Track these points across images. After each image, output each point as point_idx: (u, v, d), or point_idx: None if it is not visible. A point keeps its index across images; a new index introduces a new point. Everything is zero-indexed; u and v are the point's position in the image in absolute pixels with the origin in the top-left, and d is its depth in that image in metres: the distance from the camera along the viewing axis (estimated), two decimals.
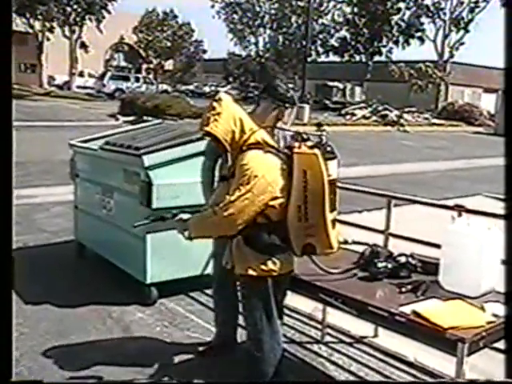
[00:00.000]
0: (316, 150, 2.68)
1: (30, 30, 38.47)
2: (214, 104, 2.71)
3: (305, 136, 2.85)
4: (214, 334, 3.71)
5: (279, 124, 3.32)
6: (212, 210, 2.70)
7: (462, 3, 40.91)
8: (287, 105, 3.30)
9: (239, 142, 2.72)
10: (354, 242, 3.37)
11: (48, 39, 38.71)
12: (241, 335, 3.53)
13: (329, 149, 2.81)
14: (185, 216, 2.85)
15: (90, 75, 41.31)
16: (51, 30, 38.34)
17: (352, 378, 3.43)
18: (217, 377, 3.34)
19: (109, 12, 39.19)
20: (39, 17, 36.98)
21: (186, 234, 2.79)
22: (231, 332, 3.64)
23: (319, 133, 2.89)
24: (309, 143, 2.76)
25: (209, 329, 3.95)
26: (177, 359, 3.56)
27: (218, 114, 2.68)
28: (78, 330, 3.87)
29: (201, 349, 3.66)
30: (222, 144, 2.70)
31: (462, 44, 41.51)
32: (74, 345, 3.67)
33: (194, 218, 2.81)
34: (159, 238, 4.18)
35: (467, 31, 41.11)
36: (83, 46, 40.51)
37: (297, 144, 2.75)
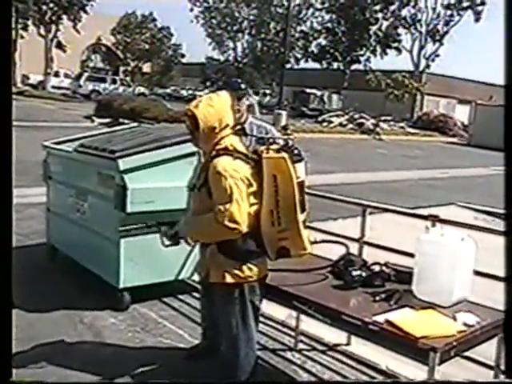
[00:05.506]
0: (284, 154, 2.70)
1: None
2: (213, 95, 2.79)
3: (271, 140, 2.88)
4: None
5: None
6: (213, 217, 2.64)
7: (438, 16, 41.74)
8: (238, 92, 3.60)
9: (211, 142, 2.73)
10: (324, 241, 3.41)
11: (22, 37, 38.06)
12: None
13: (296, 151, 2.82)
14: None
15: (66, 75, 40.69)
16: (25, 28, 37.70)
17: None
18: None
19: (86, 12, 38.80)
20: (13, 14, 36.28)
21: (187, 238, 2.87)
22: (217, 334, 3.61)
23: (286, 136, 2.92)
24: (274, 146, 2.77)
25: (181, 335, 3.93)
26: (149, 366, 3.51)
27: (211, 105, 2.72)
28: (49, 336, 3.79)
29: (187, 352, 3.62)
30: (198, 131, 2.72)
31: (438, 56, 42.36)
32: (44, 350, 3.59)
33: (190, 225, 2.85)
34: (133, 242, 4.14)
35: (442, 43, 41.93)
36: (59, 45, 39.96)
37: (263, 148, 2.76)
